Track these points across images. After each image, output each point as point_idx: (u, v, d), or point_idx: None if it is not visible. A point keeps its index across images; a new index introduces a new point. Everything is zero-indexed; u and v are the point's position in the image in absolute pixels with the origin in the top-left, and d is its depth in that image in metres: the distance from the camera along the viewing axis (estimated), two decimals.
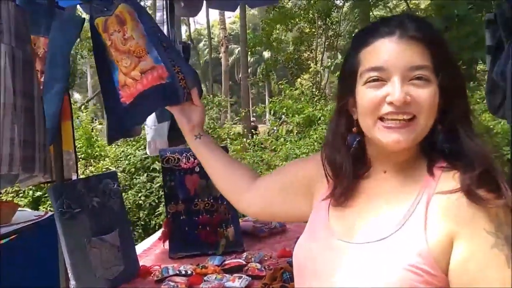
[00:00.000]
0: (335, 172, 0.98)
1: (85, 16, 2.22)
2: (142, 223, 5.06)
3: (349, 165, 0.95)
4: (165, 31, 2.60)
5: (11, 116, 1.05)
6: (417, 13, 11.60)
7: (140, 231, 5.00)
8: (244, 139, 6.70)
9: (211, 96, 10.57)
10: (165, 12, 2.56)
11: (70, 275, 1.63)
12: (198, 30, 34.79)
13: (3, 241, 2.55)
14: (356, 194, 0.97)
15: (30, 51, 1.18)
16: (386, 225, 0.85)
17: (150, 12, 2.04)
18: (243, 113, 10.07)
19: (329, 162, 0.99)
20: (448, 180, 0.83)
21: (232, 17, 29.61)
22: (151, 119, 2.54)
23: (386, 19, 0.89)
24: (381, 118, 0.84)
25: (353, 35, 0.96)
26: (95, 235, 1.73)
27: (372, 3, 11.99)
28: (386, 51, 0.84)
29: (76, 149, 6.65)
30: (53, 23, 1.55)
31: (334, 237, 0.92)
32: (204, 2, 3.23)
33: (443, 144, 0.87)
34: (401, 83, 0.81)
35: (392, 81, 0.82)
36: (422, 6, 11.90)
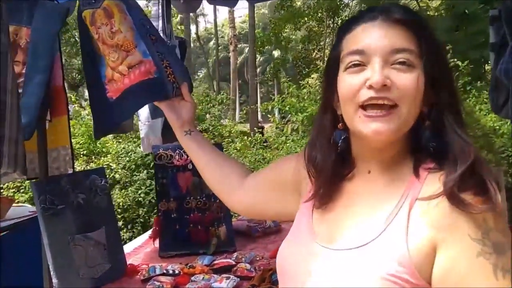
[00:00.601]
0: (317, 172, 0.93)
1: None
2: (142, 220, 5.03)
3: (331, 166, 0.90)
4: (160, 25, 2.55)
5: None
6: (428, 12, 11.48)
7: (139, 228, 4.96)
8: (245, 137, 6.64)
9: (214, 93, 10.57)
10: (160, 7, 2.51)
11: (52, 273, 1.59)
12: (208, 29, 34.88)
13: None
14: (339, 196, 0.92)
15: (6, 42, 1.13)
16: (367, 231, 0.80)
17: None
18: (245, 111, 10.04)
19: (311, 161, 0.94)
20: (434, 182, 0.76)
21: (242, 16, 29.65)
22: (144, 115, 2.49)
23: (371, 7, 0.83)
24: (363, 107, 0.78)
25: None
26: (79, 233, 1.68)
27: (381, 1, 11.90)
28: (367, 34, 0.79)
29: (79, 145, 6.62)
30: (36, 13, 1.50)
31: (316, 241, 0.87)
32: None
33: (429, 141, 0.81)
34: (382, 66, 0.76)
35: (372, 64, 0.76)
36: (433, 5, 11.76)
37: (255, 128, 11.63)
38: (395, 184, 0.82)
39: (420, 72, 0.77)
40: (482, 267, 0.70)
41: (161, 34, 2.29)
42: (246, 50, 25.65)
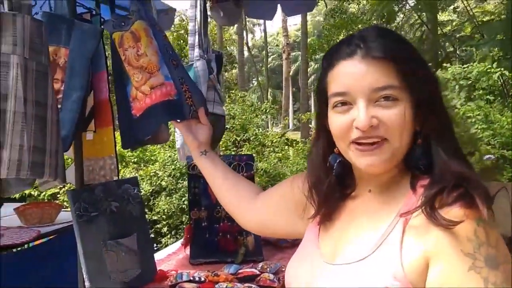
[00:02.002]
0: (317, 193, 0.98)
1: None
2: (185, 227, 5.16)
3: (327, 187, 0.95)
4: (196, 40, 2.65)
5: (21, 124, 1.12)
6: (483, 16, 11.03)
7: (182, 234, 5.10)
8: (286, 147, 6.68)
9: (259, 103, 10.68)
10: (197, 22, 2.61)
11: (85, 276, 1.70)
12: (263, 37, 35.36)
13: (43, 240, 2.71)
14: (343, 213, 0.97)
15: (46, 62, 1.25)
16: (365, 246, 0.83)
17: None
18: (286, 120, 10.03)
19: (312, 183, 0.99)
20: None
21: (297, 24, 29.84)
22: None
23: (348, 38, 0.86)
24: (354, 142, 0.82)
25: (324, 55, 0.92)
26: (111, 239, 1.78)
27: (440, 6, 11.50)
28: (348, 74, 0.81)
29: (130, 153, 6.91)
30: (73, 34, 1.63)
31: (321, 258, 0.92)
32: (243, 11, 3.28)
33: (419, 159, 0.83)
34: (366, 106, 0.79)
35: (357, 105, 0.80)
36: (487, 8, 11.28)
37: (305, 138, 11.60)
38: (393, 200, 0.86)
39: (406, 104, 0.79)
40: (474, 280, 0.71)
41: (197, 49, 2.39)
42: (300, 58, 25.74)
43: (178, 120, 1.39)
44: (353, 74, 0.80)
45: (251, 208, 1.21)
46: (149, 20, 1.47)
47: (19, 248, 2.58)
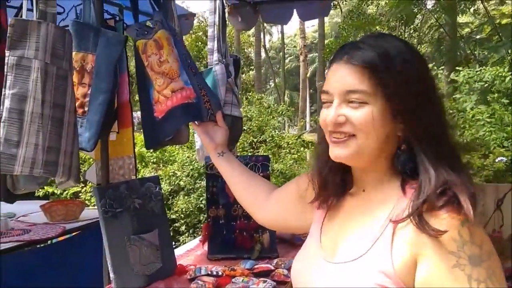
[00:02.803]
0: (319, 178, 1.05)
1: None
2: (202, 225, 5.27)
3: (331, 184, 1.02)
4: (215, 45, 2.74)
5: (37, 124, 1.22)
6: (501, 19, 10.87)
7: (200, 233, 5.20)
8: (302, 148, 6.74)
9: (275, 105, 10.75)
10: (216, 28, 2.69)
11: (110, 268, 1.80)
12: (280, 39, 35.40)
13: (67, 236, 2.83)
14: (341, 211, 1.04)
15: (67, 67, 1.35)
16: (359, 245, 0.90)
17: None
18: (302, 122, 10.06)
19: (315, 169, 1.07)
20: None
21: (315, 25, 29.86)
22: None
23: (347, 43, 0.95)
24: (331, 133, 0.93)
25: None
26: (135, 234, 1.88)
27: (459, 8, 11.36)
28: (332, 76, 0.92)
29: (150, 153, 7.04)
30: (99, 41, 1.73)
31: (321, 255, 0.99)
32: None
33: (405, 164, 0.90)
34: (339, 105, 0.89)
35: (333, 103, 0.90)
36: (506, 11, 11.12)
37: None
38: (386, 202, 0.92)
39: (375, 108, 0.87)
40: (458, 277, 0.76)
41: (216, 53, 2.49)
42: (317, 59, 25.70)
43: (197, 123, 1.49)
44: (335, 76, 0.91)
45: (266, 205, 1.29)
46: (170, 30, 1.58)
47: (44, 244, 2.71)
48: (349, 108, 0.88)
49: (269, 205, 1.28)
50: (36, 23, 1.28)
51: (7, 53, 1.25)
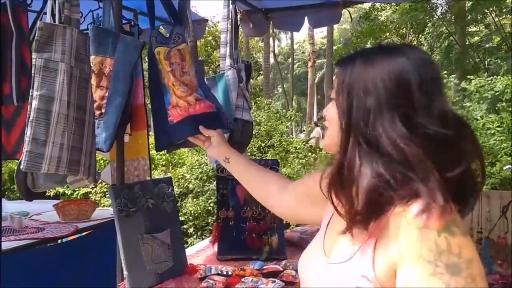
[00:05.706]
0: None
1: None
2: (210, 228, 5.33)
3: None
4: (227, 52, 2.80)
5: (63, 124, 1.28)
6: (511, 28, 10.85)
7: (208, 235, 5.26)
8: (310, 153, 6.78)
9: (284, 110, 10.81)
10: (228, 34, 2.75)
11: (123, 265, 1.85)
12: (289, 45, 35.54)
13: (77, 235, 2.90)
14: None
15: (88, 70, 1.42)
16: (349, 247, 0.93)
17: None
18: (309, 126, 10.10)
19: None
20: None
21: (324, 31, 29.96)
22: None
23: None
24: None
25: None
26: (147, 233, 1.94)
27: (470, 17, 11.30)
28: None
29: (159, 156, 7.12)
30: (117, 46, 1.80)
31: (321, 253, 1.03)
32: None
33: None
34: (328, 101, 1.05)
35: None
36: None
37: None
38: None
39: (335, 112, 0.98)
40: (436, 286, 0.76)
41: (228, 59, 2.55)
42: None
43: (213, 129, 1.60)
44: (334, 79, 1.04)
45: (281, 198, 1.36)
46: (192, 47, 1.70)
47: (55, 243, 2.76)
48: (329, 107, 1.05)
49: (284, 198, 1.35)
50: (62, 27, 1.35)
51: (34, 55, 1.32)
